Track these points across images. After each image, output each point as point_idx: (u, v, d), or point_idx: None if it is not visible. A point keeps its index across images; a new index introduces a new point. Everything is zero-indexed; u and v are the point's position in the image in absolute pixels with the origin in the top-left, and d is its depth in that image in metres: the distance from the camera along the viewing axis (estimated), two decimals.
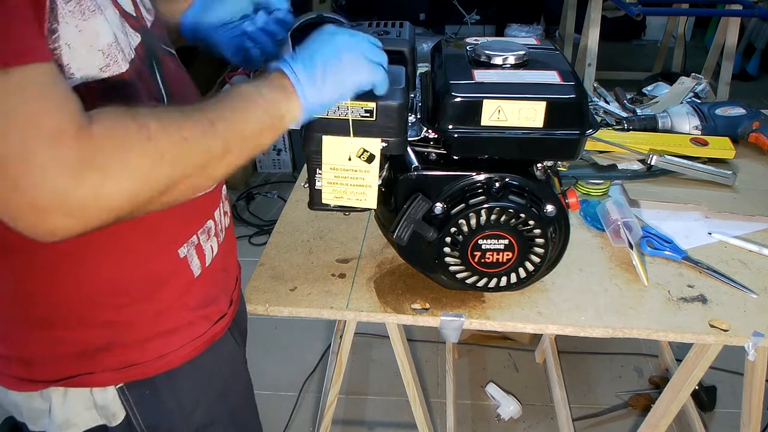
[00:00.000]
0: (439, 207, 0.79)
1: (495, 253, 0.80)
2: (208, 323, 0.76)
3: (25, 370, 0.67)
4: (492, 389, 1.81)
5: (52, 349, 0.66)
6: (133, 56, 0.62)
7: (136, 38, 0.64)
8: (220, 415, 0.80)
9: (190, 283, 0.72)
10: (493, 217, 0.77)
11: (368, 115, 0.71)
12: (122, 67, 0.60)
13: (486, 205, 0.77)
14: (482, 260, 0.80)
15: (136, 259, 0.66)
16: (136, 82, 0.62)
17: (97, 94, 0.57)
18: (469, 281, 0.82)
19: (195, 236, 0.71)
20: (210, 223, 0.74)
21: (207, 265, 0.74)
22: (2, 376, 0.69)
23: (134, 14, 0.66)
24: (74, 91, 0.53)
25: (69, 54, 0.55)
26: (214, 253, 0.75)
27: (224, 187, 0.82)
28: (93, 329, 0.67)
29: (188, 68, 0.76)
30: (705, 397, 1.74)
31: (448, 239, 0.79)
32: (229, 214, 0.82)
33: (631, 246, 0.95)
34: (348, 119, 0.71)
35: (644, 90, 1.56)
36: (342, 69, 0.65)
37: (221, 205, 0.78)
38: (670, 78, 1.66)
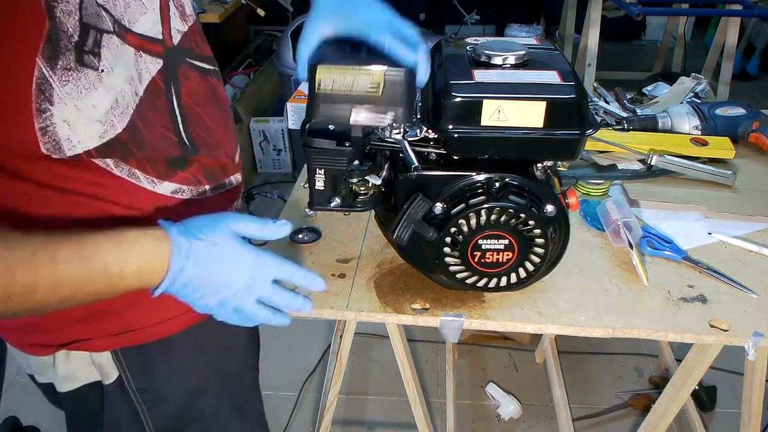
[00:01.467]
0: (439, 207, 0.79)
1: (495, 253, 0.80)
2: None
3: (35, 337, 0.74)
4: (492, 389, 1.81)
5: (57, 319, 0.71)
6: (143, 90, 0.65)
7: (155, 65, 0.67)
8: (211, 385, 0.84)
9: None
10: (493, 217, 0.77)
11: (374, 89, 0.71)
12: (118, 128, 0.63)
13: (486, 205, 0.77)
14: (482, 260, 0.80)
15: None
16: (136, 130, 0.65)
17: (96, 154, 0.62)
18: (469, 281, 0.82)
19: None
20: None
21: None
22: (18, 342, 0.76)
23: (160, 36, 0.68)
24: (76, 158, 0.59)
25: (68, 129, 0.59)
26: None
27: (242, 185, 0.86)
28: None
29: None
30: (705, 397, 1.74)
31: (448, 239, 0.79)
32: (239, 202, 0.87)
33: (631, 246, 0.95)
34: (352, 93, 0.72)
35: (644, 90, 1.56)
36: (211, 307, 0.65)
37: (236, 202, 0.83)
38: (670, 78, 1.66)
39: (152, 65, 0.66)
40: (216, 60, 0.80)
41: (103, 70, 0.60)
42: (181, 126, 0.71)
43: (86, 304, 0.59)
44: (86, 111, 0.59)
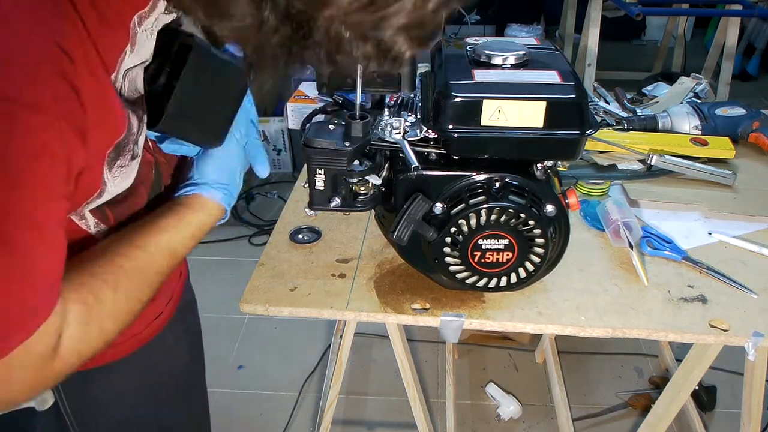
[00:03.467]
0: (439, 207, 0.79)
1: (495, 253, 0.80)
2: (145, 322, 0.79)
3: None
4: (492, 389, 1.81)
5: None
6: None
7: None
8: (141, 414, 0.84)
9: None
10: (493, 217, 0.77)
11: None
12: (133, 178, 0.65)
13: (486, 205, 0.77)
14: (482, 260, 0.80)
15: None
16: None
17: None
18: (469, 281, 0.82)
19: None
20: None
21: None
22: None
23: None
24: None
25: (105, 196, 0.60)
26: None
27: None
28: None
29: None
30: (705, 397, 1.74)
31: (448, 239, 0.79)
32: None
33: (631, 246, 0.95)
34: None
35: (644, 90, 1.56)
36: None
37: None
38: (670, 78, 1.66)
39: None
40: None
41: (137, 155, 0.62)
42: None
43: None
44: (122, 184, 0.62)
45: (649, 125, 1.33)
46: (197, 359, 0.95)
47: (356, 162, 0.79)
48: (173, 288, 0.85)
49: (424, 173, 0.80)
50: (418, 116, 0.83)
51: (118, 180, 0.60)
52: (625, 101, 1.46)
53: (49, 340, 0.52)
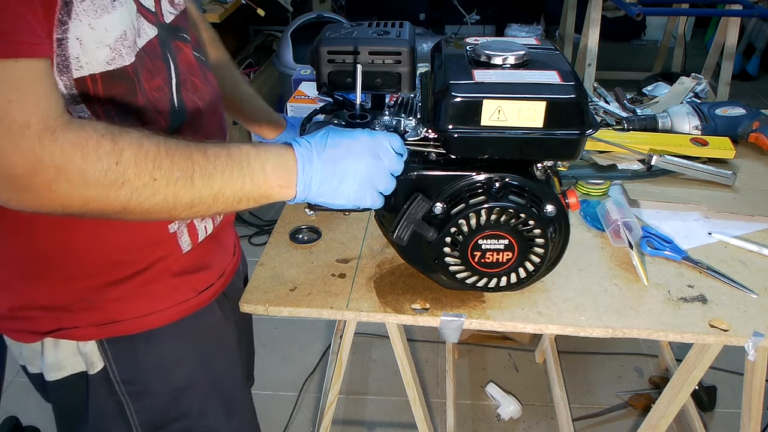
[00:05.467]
0: (439, 207, 0.79)
1: (495, 253, 0.80)
2: (193, 292, 0.80)
3: (23, 323, 0.75)
4: (492, 389, 1.81)
5: (45, 305, 0.73)
6: (142, 46, 0.67)
7: (151, 31, 0.69)
8: (199, 382, 0.83)
9: (178, 256, 0.76)
10: (493, 217, 0.77)
11: None
12: (126, 60, 0.64)
13: (486, 205, 0.77)
14: (482, 260, 0.80)
15: (127, 227, 0.71)
16: (138, 72, 0.66)
17: (101, 84, 0.62)
18: (469, 281, 0.82)
19: None
20: None
21: (199, 242, 0.78)
22: (10, 331, 0.77)
23: (153, 10, 0.70)
24: (81, 81, 0.59)
25: (79, 48, 0.60)
26: (208, 233, 0.80)
27: None
28: (81, 286, 0.72)
29: None
30: (705, 397, 1.75)
31: (448, 239, 0.79)
32: None
33: (631, 246, 0.95)
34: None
35: (644, 90, 1.56)
36: (351, 188, 0.69)
37: None
38: (670, 78, 1.66)
39: (149, 29, 0.68)
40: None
41: (114, 3, 0.61)
42: (174, 87, 0.71)
43: (233, 205, 0.64)
44: (98, 32, 0.60)
45: (649, 125, 1.33)
46: (245, 344, 0.95)
47: None
48: (225, 265, 0.86)
49: (424, 173, 0.80)
50: (418, 116, 0.83)
51: (86, 4, 0.58)
52: (625, 101, 1.46)
53: (36, 110, 0.52)
